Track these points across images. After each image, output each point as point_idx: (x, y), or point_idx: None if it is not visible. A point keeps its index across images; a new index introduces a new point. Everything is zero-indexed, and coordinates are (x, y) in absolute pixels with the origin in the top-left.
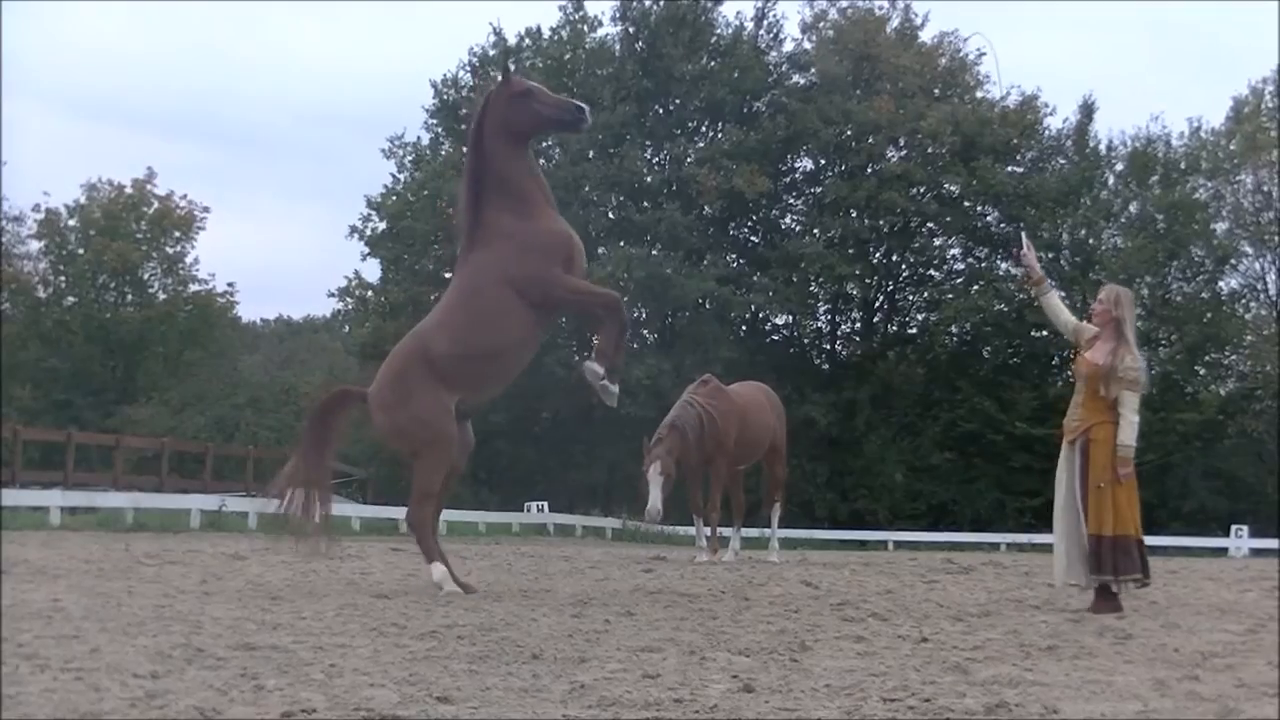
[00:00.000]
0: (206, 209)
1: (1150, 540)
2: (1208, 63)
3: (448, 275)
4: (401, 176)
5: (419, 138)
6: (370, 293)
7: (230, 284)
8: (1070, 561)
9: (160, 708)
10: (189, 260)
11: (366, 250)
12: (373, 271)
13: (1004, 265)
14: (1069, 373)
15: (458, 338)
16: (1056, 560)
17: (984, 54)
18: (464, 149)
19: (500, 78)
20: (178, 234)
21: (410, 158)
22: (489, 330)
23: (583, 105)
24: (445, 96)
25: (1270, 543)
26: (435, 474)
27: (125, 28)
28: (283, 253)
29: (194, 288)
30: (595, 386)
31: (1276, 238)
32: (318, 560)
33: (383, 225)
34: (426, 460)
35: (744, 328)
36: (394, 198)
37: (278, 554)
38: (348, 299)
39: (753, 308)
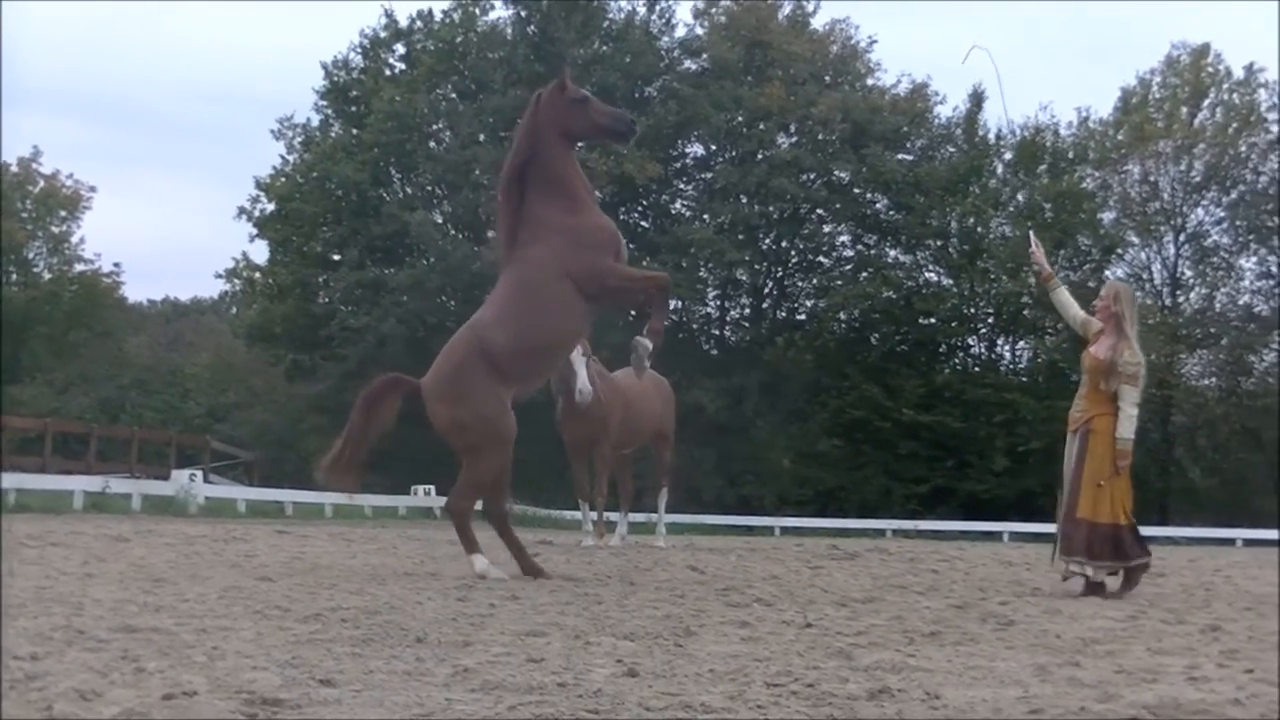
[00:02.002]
0: (93, 188)
1: (1037, 529)
2: (1096, 53)
3: (337, 257)
4: (290, 158)
5: (309, 119)
6: (258, 274)
7: (116, 264)
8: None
9: (39, 689)
10: (75, 240)
11: (255, 232)
12: (261, 253)
13: (893, 253)
14: (956, 361)
15: (520, 332)
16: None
17: (875, 42)
18: (510, 143)
19: (557, 82)
20: (63, 213)
21: (300, 139)
22: (550, 324)
23: (634, 119)
24: (336, 78)
25: (1153, 530)
26: (490, 469)
27: (10, 3)
28: (170, 233)
29: (80, 268)
30: (643, 359)
31: (1162, 228)
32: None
33: (271, 207)
34: (486, 456)
35: (633, 313)
36: (283, 179)
37: (161, 536)
38: (235, 280)
39: None
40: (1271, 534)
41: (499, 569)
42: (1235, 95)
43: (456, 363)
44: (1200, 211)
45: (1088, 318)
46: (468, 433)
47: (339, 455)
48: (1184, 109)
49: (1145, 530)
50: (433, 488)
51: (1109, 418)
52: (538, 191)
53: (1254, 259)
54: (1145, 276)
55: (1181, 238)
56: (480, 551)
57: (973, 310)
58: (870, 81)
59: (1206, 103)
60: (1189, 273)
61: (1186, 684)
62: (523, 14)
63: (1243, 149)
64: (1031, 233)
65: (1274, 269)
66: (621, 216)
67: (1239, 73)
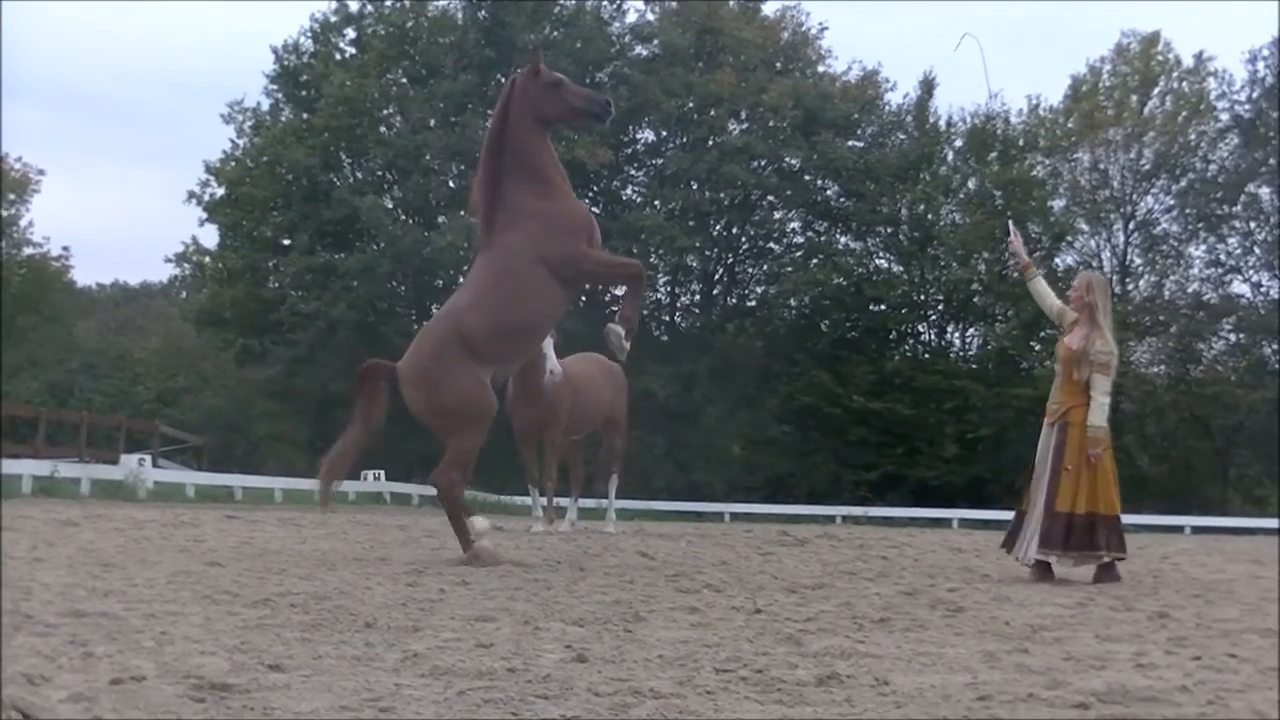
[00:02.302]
0: (41, 171)
1: (985, 515)
2: (1047, 41)
3: (287, 242)
4: (241, 142)
5: (259, 103)
6: (208, 259)
7: (65, 248)
8: (1028, 538)
9: None
10: (23, 224)
11: (205, 216)
12: (211, 237)
13: (843, 239)
14: (906, 348)
15: (495, 315)
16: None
17: (826, 29)
18: (485, 130)
19: (530, 67)
20: (12, 196)
21: (250, 124)
22: (525, 307)
23: (609, 100)
24: (286, 62)
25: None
26: (473, 448)
27: None
28: (120, 218)
29: (28, 251)
30: (615, 346)
31: (1112, 216)
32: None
33: (221, 191)
34: (467, 435)
35: (584, 299)
36: (233, 164)
37: (110, 520)
38: (185, 265)
39: None
40: (1221, 521)
41: (494, 550)
42: (1185, 84)
43: (432, 347)
44: (1150, 199)
45: (1063, 308)
46: (446, 416)
47: (338, 457)
48: (1134, 97)
49: None
50: (382, 473)
51: (1084, 408)
52: (513, 177)
53: (1203, 247)
54: (1095, 264)
55: (1131, 225)
56: (476, 514)
57: (923, 297)
58: (821, 68)
59: (1156, 91)
60: (1138, 260)
61: (1134, 671)
62: None
63: (1192, 137)
64: (1011, 223)
65: (1223, 257)
66: None
67: (1188, 61)
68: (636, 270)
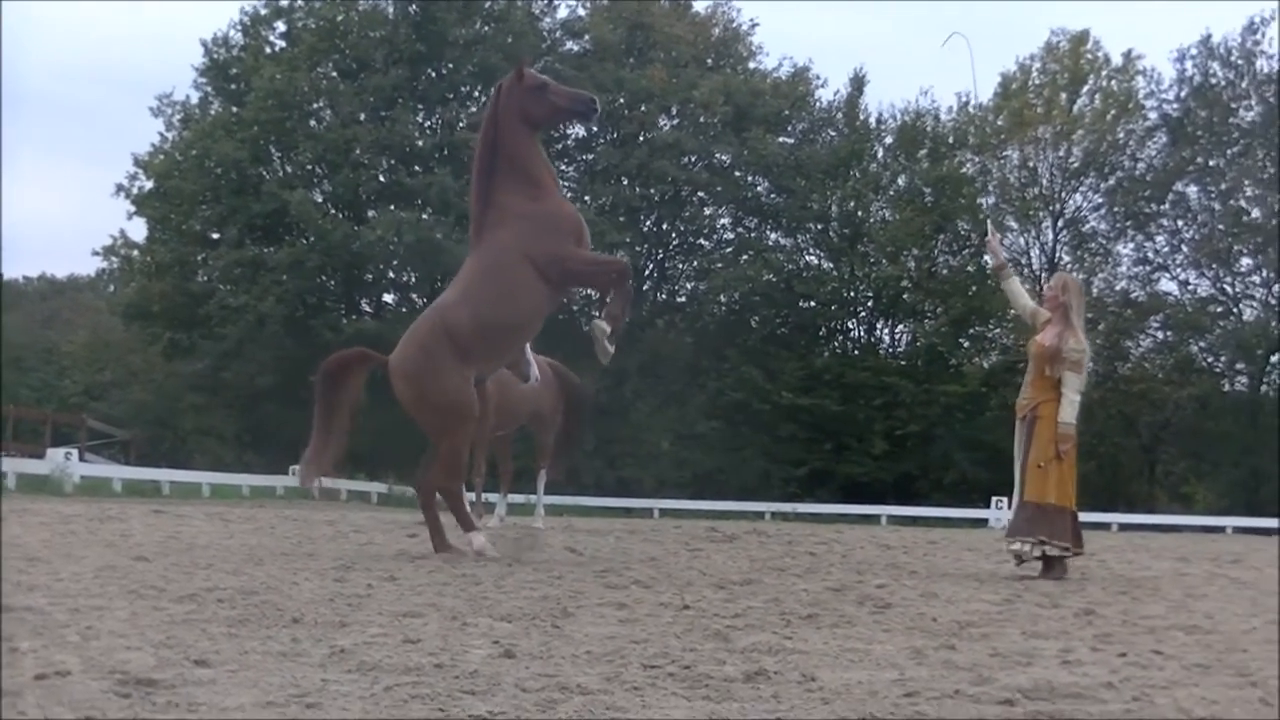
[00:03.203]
0: None
1: (913, 511)
2: (977, 39)
3: (216, 236)
4: (170, 135)
5: (188, 97)
6: (136, 252)
7: None
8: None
9: None
10: None
11: (133, 209)
12: (139, 231)
13: (773, 236)
14: (836, 344)
15: (482, 313)
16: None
17: (756, 25)
18: (478, 134)
19: (515, 71)
20: None
21: (179, 117)
22: (512, 305)
23: (594, 97)
24: (215, 56)
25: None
26: (463, 445)
27: None
28: (46, 211)
29: None
30: (600, 344)
31: (1041, 213)
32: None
33: (150, 184)
34: (454, 434)
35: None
36: (161, 157)
37: (36, 515)
38: (113, 258)
39: None
40: (1147, 518)
41: (494, 549)
42: (1113, 82)
43: (421, 342)
44: (1078, 197)
45: (1037, 308)
46: (433, 410)
47: (315, 448)
48: (1063, 95)
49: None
50: None
51: (1054, 404)
52: (503, 179)
53: (1131, 245)
54: (1024, 261)
55: (1060, 223)
56: (478, 529)
57: (852, 294)
58: (752, 65)
59: (1085, 89)
60: (1067, 258)
61: (1060, 667)
62: None
63: (1120, 135)
64: (990, 223)
65: (1150, 255)
66: None
67: (1117, 60)
68: (622, 269)
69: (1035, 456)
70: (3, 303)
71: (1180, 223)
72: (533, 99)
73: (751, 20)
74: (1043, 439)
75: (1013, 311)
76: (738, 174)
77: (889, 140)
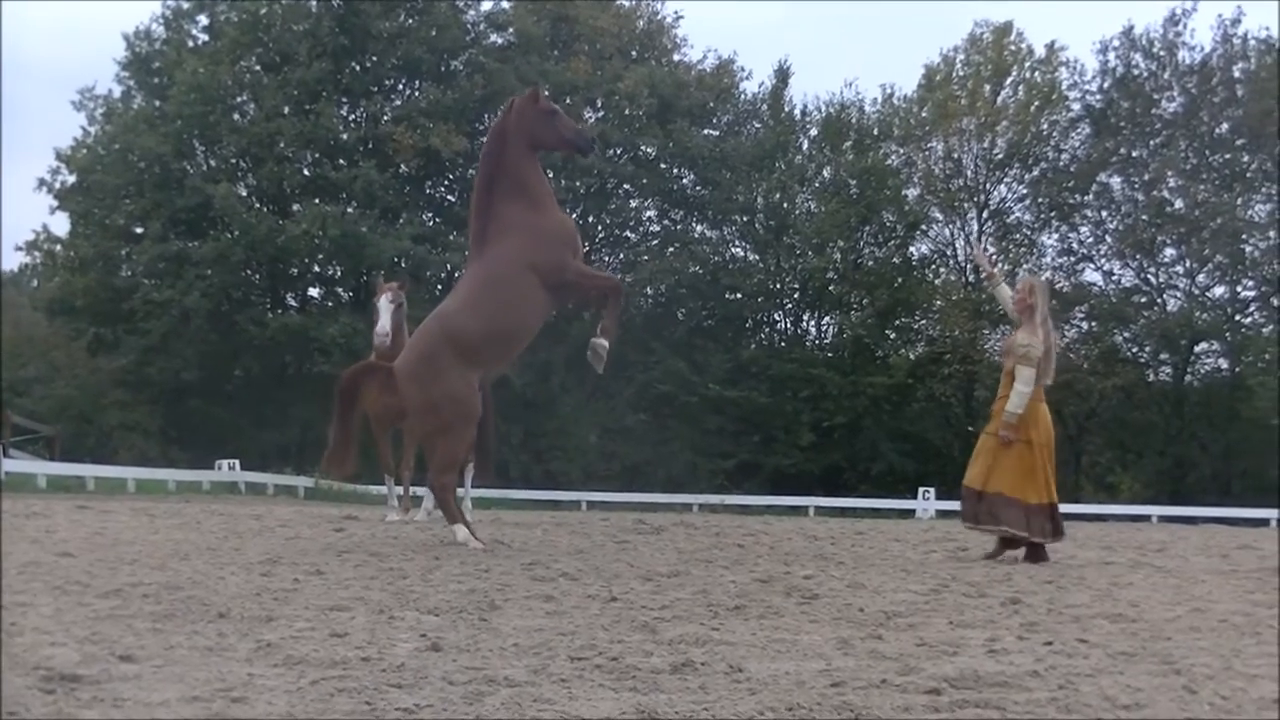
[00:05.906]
0: None
1: (841, 502)
2: (900, 30)
3: (139, 230)
4: (92, 130)
5: (110, 90)
6: (59, 247)
7: None
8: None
9: None
10: None
11: (55, 204)
12: (61, 225)
13: (699, 228)
14: (763, 336)
15: (486, 320)
16: None
17: (681, 18)
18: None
19: (530, 93)
20: None
21: (101, 111)
22: (515, 312)
23: (594, 137)
24: (138, 49)
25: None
26: (461, 446)
27: None
28: None
29: None
30: (597, 358)
31: (966, 204)
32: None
33: (72, 179)
34: (455, 434)
35: (440, 287)
36: (84, 151)
37: None
38: (35, 253)
39: (449, 267)
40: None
41: (478, 541)
42: (1037, 74)
43: (424, 348)
44: (1003, 188)
45: None
46: (439, 413)
47: (335, 447)
48: (987, 87)
49: (946, 505)
50: (237, 462)
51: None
52: (505, 192)
53: (1055, 235)
54: (949, 253)
55: (985, 214)
56: (463, 522)
57: (779, 286)
58: (676, 57)
59: (1009, 81)
60: (992, 249)
61: (986, 656)
62: None
63: (1044, 127)
64: (974, 237)
65: (1075, 245)
66: (428, 190)
67: (1040, 51)
68: (616, 285)
69: (983, 442)
70: None
71: (1104, 213)
72: (542, 123)
73: (676, 13)
74: (993, 427)
75: (939, 305)
76: (663, 166)
77: (814, 132)
